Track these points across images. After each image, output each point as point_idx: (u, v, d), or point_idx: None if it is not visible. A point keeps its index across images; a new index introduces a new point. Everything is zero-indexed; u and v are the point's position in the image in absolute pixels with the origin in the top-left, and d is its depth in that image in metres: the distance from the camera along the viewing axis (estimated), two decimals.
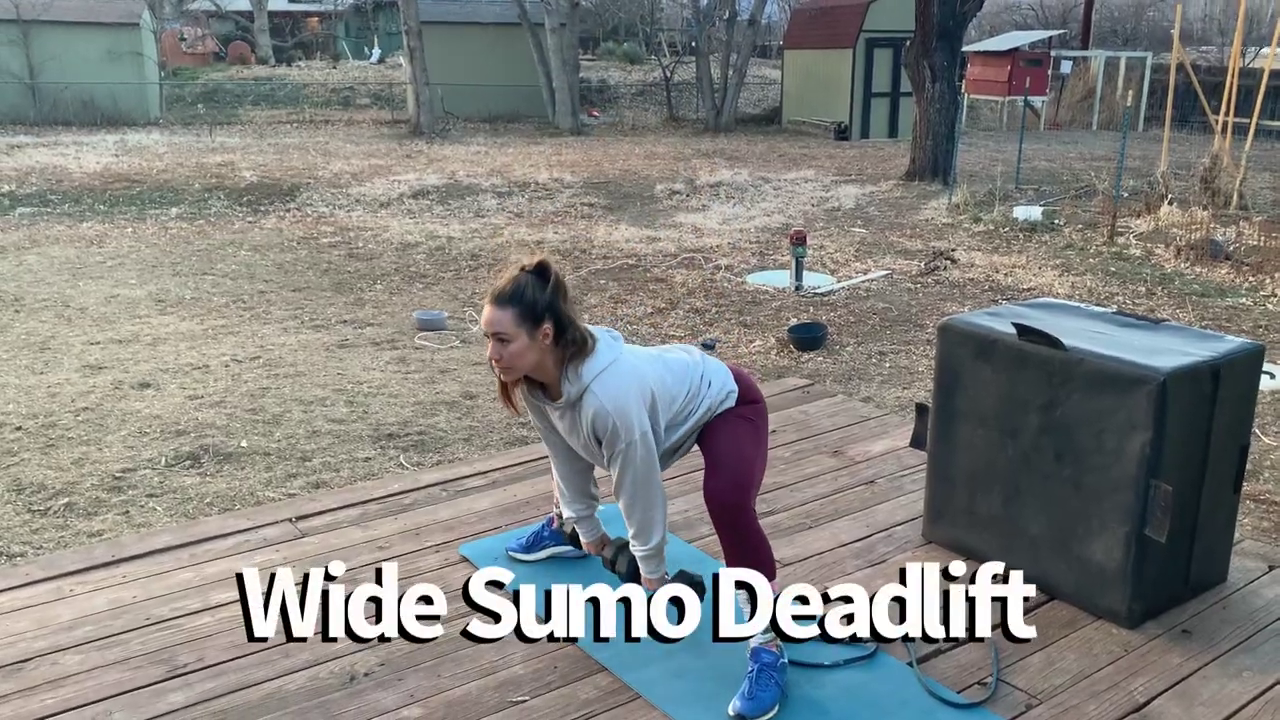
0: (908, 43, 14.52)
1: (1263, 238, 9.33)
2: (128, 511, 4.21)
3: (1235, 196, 11.34)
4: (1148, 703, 2.53)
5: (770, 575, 2.60)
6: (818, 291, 8.06)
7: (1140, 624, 2.86)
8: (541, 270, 2.52)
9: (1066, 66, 22.75)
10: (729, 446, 2.64)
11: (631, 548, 2.71)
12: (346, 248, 10.07)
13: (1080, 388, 2.85)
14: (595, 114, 24.38)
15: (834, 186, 13.74)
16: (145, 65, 22.63)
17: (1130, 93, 11.47)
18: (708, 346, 6.70)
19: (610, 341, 2.59)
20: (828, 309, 7.66)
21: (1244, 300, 7.96)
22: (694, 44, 26.18)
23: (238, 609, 2.90)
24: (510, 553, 3.21)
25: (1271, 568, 3.18)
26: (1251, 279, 8.51)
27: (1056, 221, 11.18)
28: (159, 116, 22.75)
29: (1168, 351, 2.83)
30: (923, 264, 8.98)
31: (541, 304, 2.49)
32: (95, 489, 4.41)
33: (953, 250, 9.45)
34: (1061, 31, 25.51)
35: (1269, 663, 2.70)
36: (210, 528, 3.40)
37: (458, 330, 7.11)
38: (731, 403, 2.71)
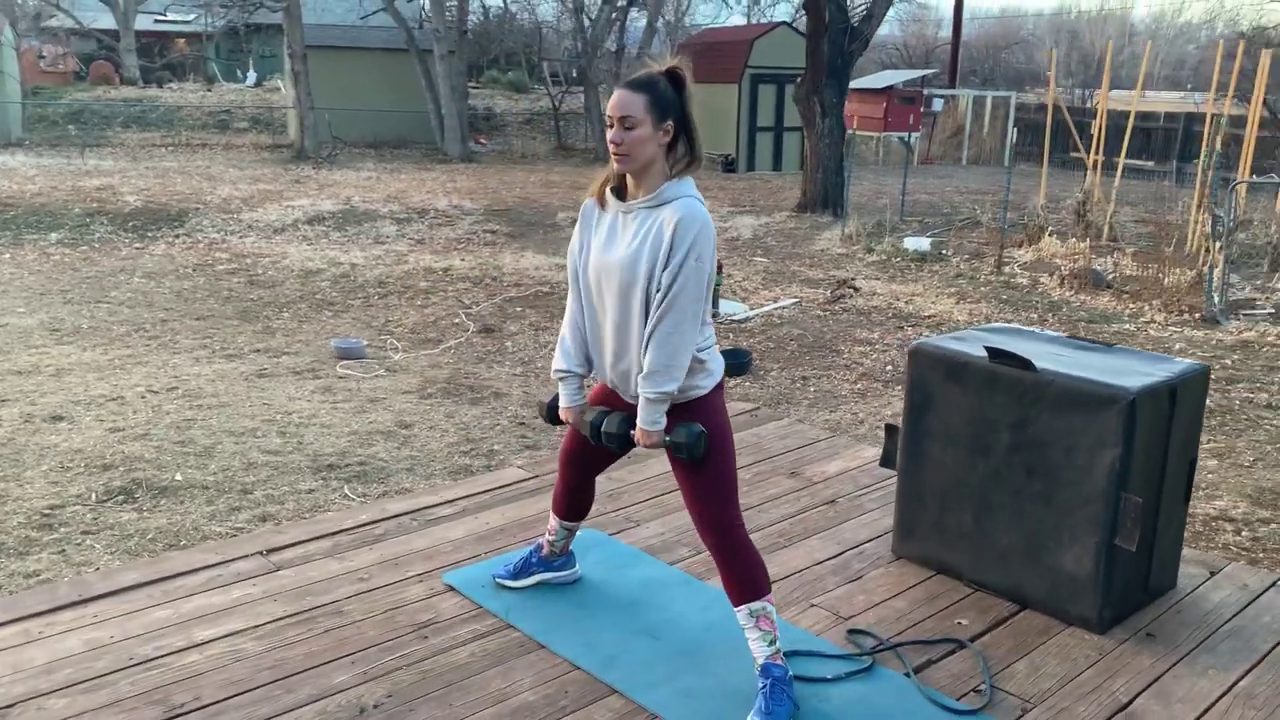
0: (798, 80, 14.99)
1: (1138, 268, 9.96)
2: (64, 550, 4.01)
3: (1106, 229, 12.06)
4: (1130, 702, 2.70)
5: (767, 587, 2.65)
6: (734, 319, 8.23)
7: (1109, 629, 3.03)
8: (675, 75, 2.54)
9: (938, 104, 23.81)
10: (706, 462, 2.62)
11: (643, 389, 2.56)
12: (246, 275, 9.79)
13: (1051, 407, 3.03)
14: (483, 141, 24.30)
15: (731, 217, 14.04)
16: (6, 83, 21.53)
17: (1014, 130, 12.12)
18: None
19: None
20: (746, 336, 7.83)
21: (1128, 326, 8.48)
22: (576, 74, 26.43)
23: (225, 645, 2.82)
24: (498, 580, 3.20)
25: (1212, 573, 3.42)
26: (1131, 306, 9.08)
27: (944, 252, 11.68)
28: (21, 137, 21.65)
29: (1130, 372, 3.04)
30: (828, 292, 9.27)
31: (672, 101, 2.50)
32: (23, 528, 4.19)
33: (853, 279, 9.78)
34: (933, 71, 26.70)
35: (1228, 661, 2.90)
36: (177, 564, 3.28)
37: (378, 359, 6.99)
38: (711, 385, 2.66)
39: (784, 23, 23.15)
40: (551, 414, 2.92)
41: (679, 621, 3.02)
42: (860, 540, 3.61)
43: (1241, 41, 13.71)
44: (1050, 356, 3.17)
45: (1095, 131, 12.21)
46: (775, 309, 8.66)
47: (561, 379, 2.82)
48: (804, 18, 15.06)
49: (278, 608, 3.03)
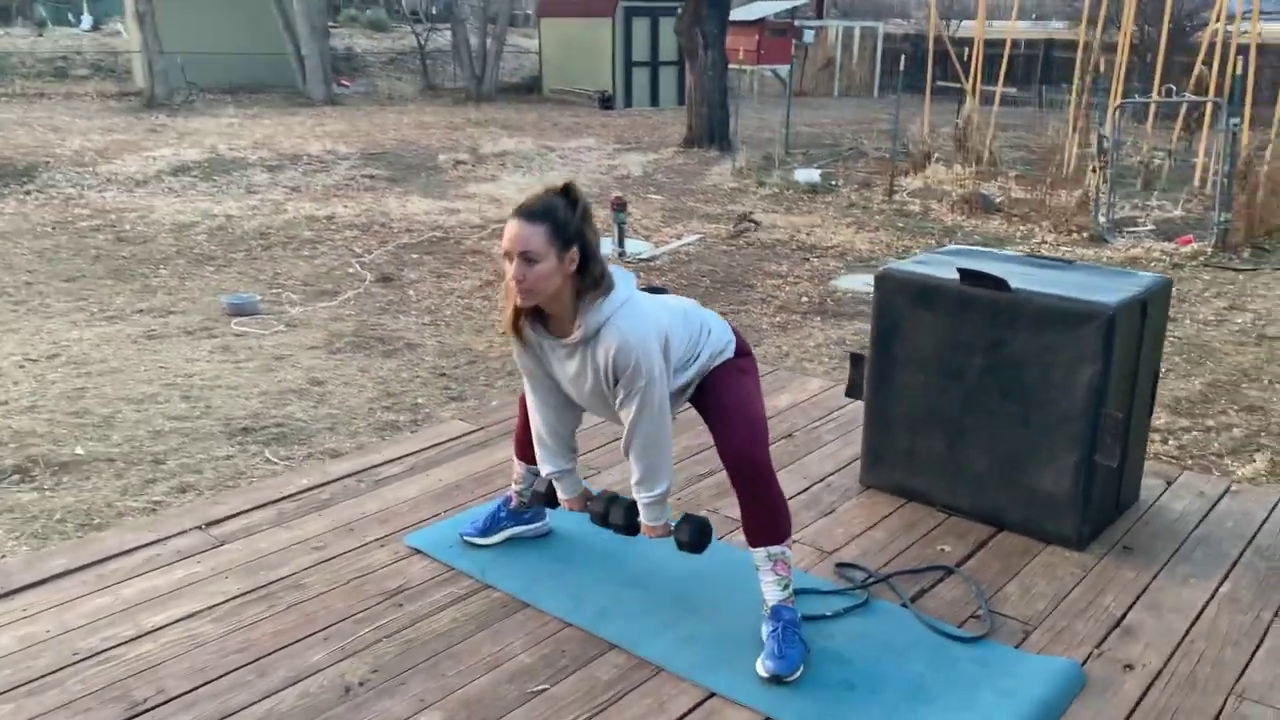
0: (680, 11, 14.76)
1: (1025, 190, 10.20)
2: None
3: (987, 154, 12.31)
4: (1124, 616, 2.71)
5: (789, 531, 2.56)
6: (641, 257, 8.08)
7: (1088, 546, 3.05)
8: (569, 192, 2.36)
9: (809, 36, 23.88)
10: (738, 399, 2.56)
11: (638, 494, 2.58)
12: (112, 231, 9.11)
13: (1028, 326, 2.99)
14: (345, 84, 23.26)
15: (618, 154, 13.81)
16: None
17: (904, 59, 12.19)
18: None
19: (625, 277, 2.46)
20: (656, 274, 7.70)
21: (1021, 246, 8.68)
22: (433, 10, 25.47)
23: (181, 630, 2.57)
24: (466, 538, 3.01)
25: (1168, 483, 3.49)
26: (1022, 227, 9.29)
27: (834, 183, 11.75)
28: None
29: (1102, 288, 3.02)
30: (731, 227, 9.19)
31: (572, 227, 2.34)
32: None
33: (752, 213, 9.73)
34: (802, 2, 26.72)
35: (1206, 568, 2.95)
36: (109, 544, 2.98)
37: (274, 313, 6.60)
38: (730, 353, 2.62)
39: None
40: (550, 500, 2.83)
41: (663, 569, 2.90)
42: (826, 473, 3.55)
43: None
44: (1019, 276, 3.13)
45: (971, 60, 12.39)
46: (680, 246, 8.55)
47: (558, 479, 2.75)
48: None
49: (231, 585, 2.78)
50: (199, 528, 3.09)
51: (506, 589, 2.79)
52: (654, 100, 21.42)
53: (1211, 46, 10.61)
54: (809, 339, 6.15)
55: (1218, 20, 10.74)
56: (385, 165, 12.69)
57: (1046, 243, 8.82)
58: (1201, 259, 8.22)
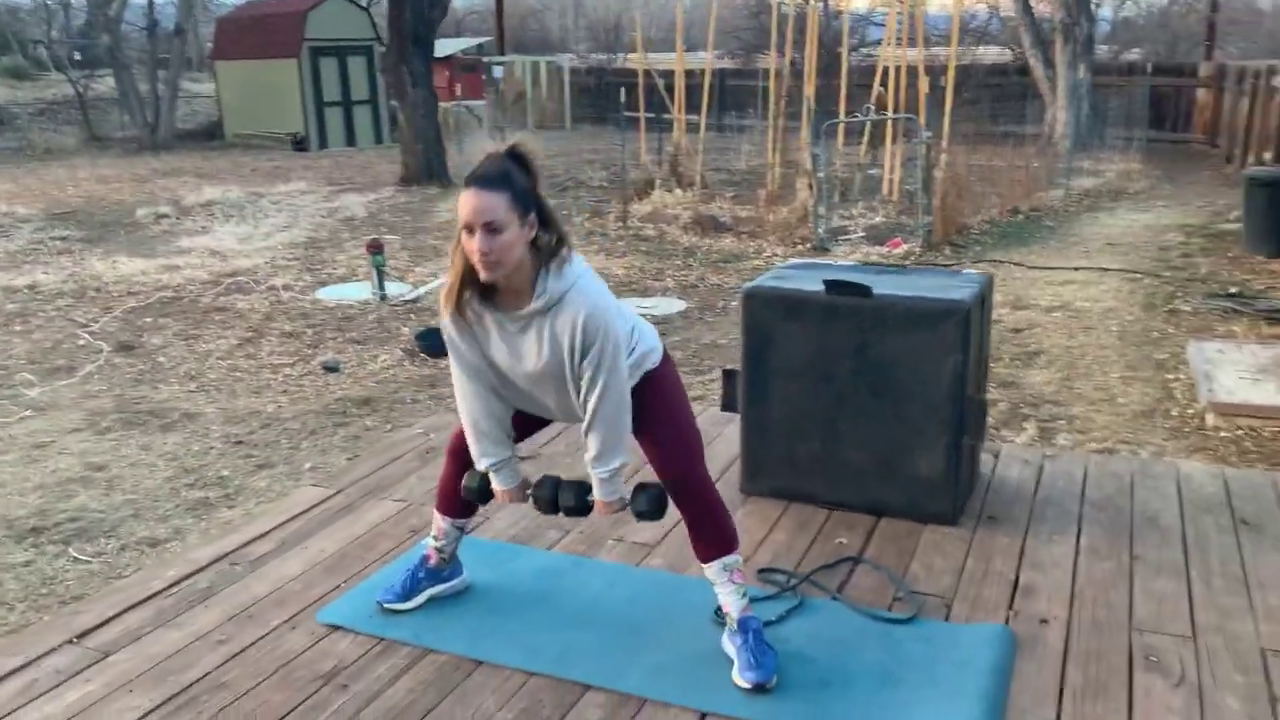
0: (384, 50, 14.49)
1: (748, 209, 10.90)
2: None
3: (699, 179, 13.01)
4: (1017, 578, 3.02)
5: (736, 538, 2.63)
6: (405, 299, 7.87)
7: (959, 521, 3.36)
8: (518, 154, 2.31)
9: (498, 71, 24.16)
10: (670, 415, 2.58)
11: (595, 470, 2.51)
12: None
13: (893, 327, 3.26)
14: None
15: (335, 196, 13.32)
16: None
17: (622, 91, 12.61)
18: (331, 369, 6.27)
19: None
20: (427, 314, 7.53)
21: (757, 260, 9.28)
22: (75, 56, 23.47)
23: None
24: (386, 605, 2.85)
25: (996, 456, 3.90)
26: (752, 244, 9.93)
27: (566, 214, 11.98)
28: None
29: (948, 288, 3.35)
30: None
31: (529, 190, 2.29)
32: None
33: None
34: (487, 39, 26.99)
35: (1061, 526, 3.33)
36: None
37: (10, 398, 5.85)
38: (658, 358, 2.61)
39: None
40: (483, 496, 2.69)
41: (600, 604, 2.89)
42: None
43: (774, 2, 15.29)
44: (874, 283, 3.39)
45: (678, 90, 13.10)
46: (440, 286, 8.39)
47: (496, 470, 2.63)
48: None
49: (142, 699, 2.48)
50: (70, 641, 2.72)
51: (451, 650, 2.67)
52: (350, 140, 20.83)
53: (882, 69, 11.85)
54: None
55: (887, 45, 12.01)
56: (76, 225, 11.52)
57: (777, 254, 9.46)
58: (913, 258, 9.15)
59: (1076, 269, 8.61)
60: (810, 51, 12.18)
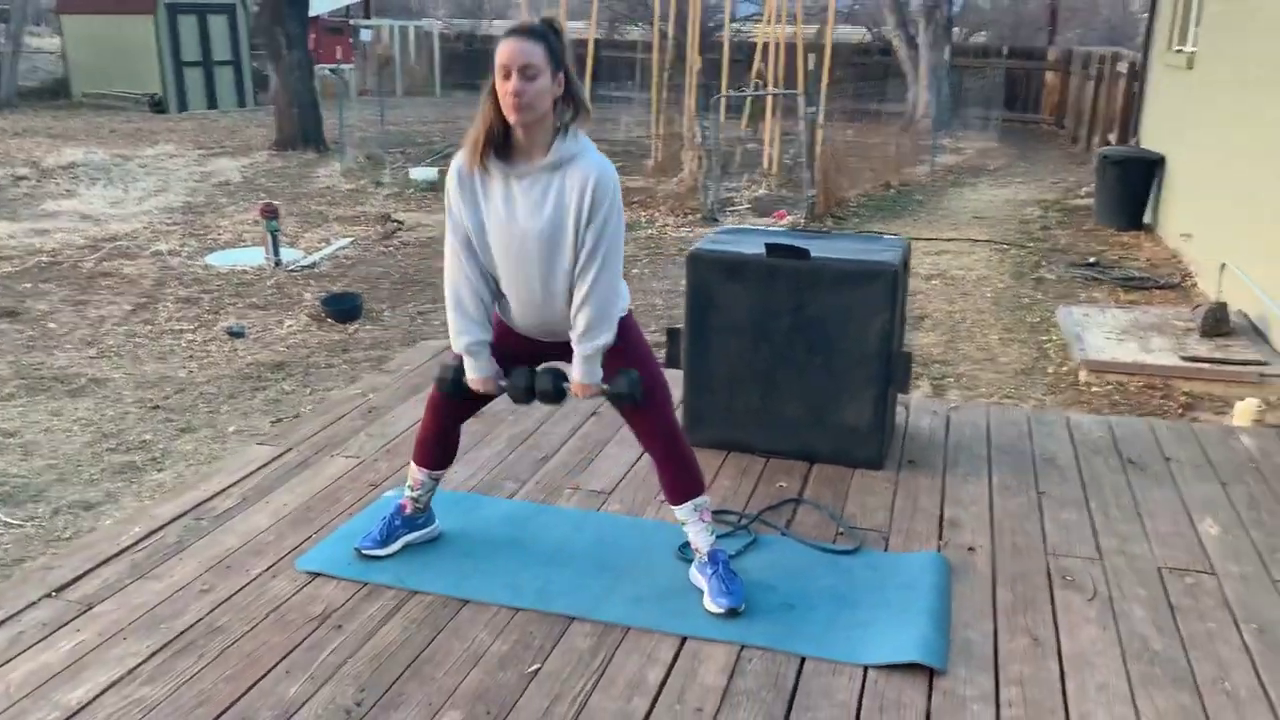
0: (257, 10, 14.03)
1: (639, 179, 11.09)
2: None
3: None
4: (942, 513, 3.33)
5: (703, 483, 2.84)
6: (301, 264, 7.78)
7: (883, 466, 3.66)
8: (553, 23, 2.49)
9: (366, 35, 23.57)
10: (638, 359, 2.70)
11: (580, 346, 2.60)
12: None
13: (828, 287, 3.52)
14: None
15: (206, 160, 12.89)
16: None
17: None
18: (236, 334, 6.20)
19: None
20: (327, 280, 7.47)
21: (650, 230, 9.49)
22: None
23: (116, 701, 2.33)
24: (364, 551, 2.95)
25: (907, 408, 4.22)
26: (644, 214, 10.13)
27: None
28: None
29: (874, 251, 3.63)
30: (380, 228, 9.09)
31: (560, 51, 2.46)
32: None
33: (393, 214, 9.68)
34: (354, 1, 26.24)
35: (972, 467, 3.67)
36: None
37: None
38: (624, 307, 2.73)
39: None
40: (456, 386, 2.76)
41: (569, 546, 3.06)
42: None
43: None
44: (806, 247, 3.65)
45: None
46: (336, 250, 8.32)
47: (472, 352, 2.70)
48: None
49: (138, 644, 2.53)
50: (49, 596, 2.73)
51: (436, 590, 2.80)
52: (212, 102, 20.05)
53: (756, 45, 12.19)
54: None
55: (768, 23, 12.37)
56: None
57: (669, 224, 9.72)
58: (798, 229, 9.53)
59: (950, 239, 9.15)
60: (694, 24, 12.42)
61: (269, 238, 7.72)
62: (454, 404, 2.87)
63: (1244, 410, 4.88)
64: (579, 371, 2.66)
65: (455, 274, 2.66)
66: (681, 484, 2.81)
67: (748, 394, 3.69)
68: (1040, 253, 8.71)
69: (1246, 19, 7.24)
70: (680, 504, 2.81)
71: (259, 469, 3.55)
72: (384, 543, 2.97)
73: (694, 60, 11.08)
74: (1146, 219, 9.59)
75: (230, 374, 5.54)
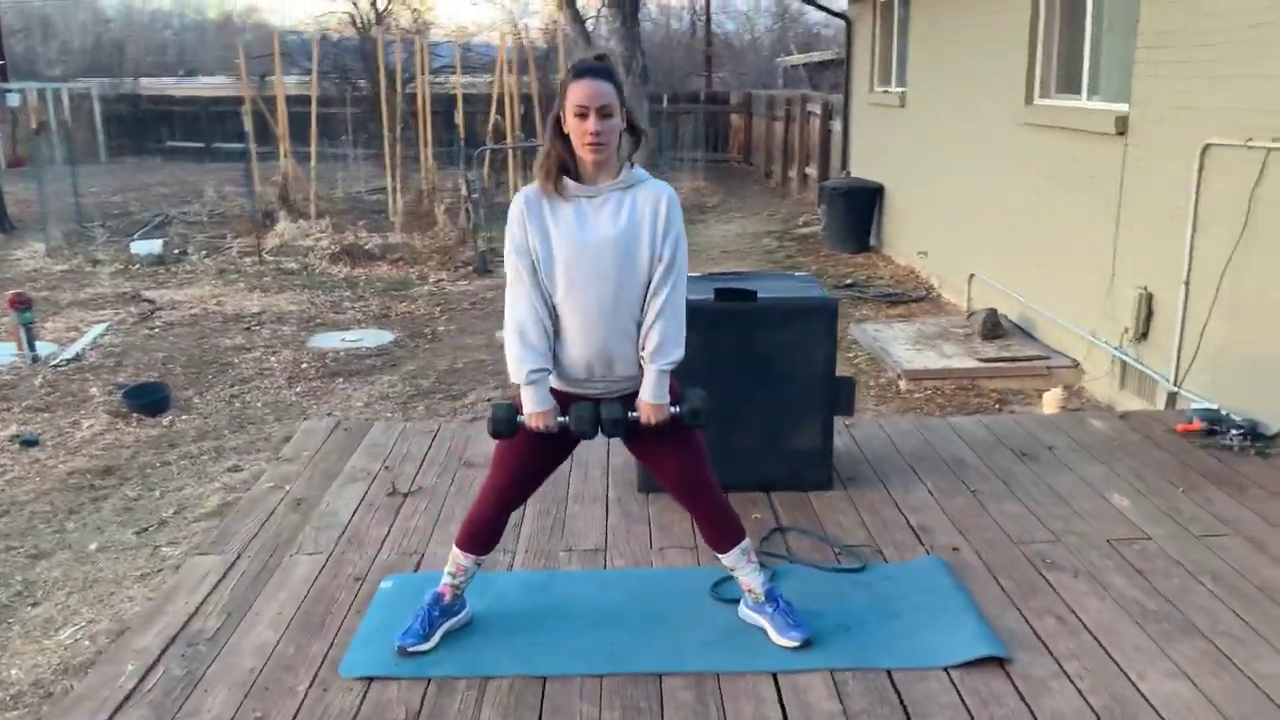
0: None
1: (390, 237, 10.84)
2: None
3: (313, 207, 12.60)
4: (909, 522, 3.62)
5: (744, 528, 2.93)
6: (65, 358, 6.94)
7: (832, 486, 3.91)
8: (612, 61, 2.59)
9: (14, 99, 21.23)
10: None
11: (654, 364, 2.65)
12: None
13: (774, 326, 3.74)
14: None
15: None
16: None
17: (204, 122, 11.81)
18: (29, 443, 5.46)
19: None
20: (104, 372, 6.72)
21: (424, 287, 9.32)
22: None
23: None
24: (408, 649, 2.79)
25: (848, 426, 4.49)
26: (413, 270, 9.92)
27: (180, 252, 11.06)
28: None
29: (804, 288, 3.90)
30: (135, 310, 8.29)
31: (622, 86, 2.57)
32: None
33: (142, 292, 8.87)
34: None
35: (906, 478, 4.00)
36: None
37: None
38: None
39: None
40: (510, 425, 2.67)
41: (609, 606, 3.05)
42: (608, 494, 3.85)
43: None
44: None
45: (281, 121, 12.60)
46: (95, 339, 7.49)
47: (533, 381, 2.65)
48: None
49: None
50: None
51: (509, 672, 2.71)
52: None
53: (498, 97, 12.34)
54: (354, 399, 6.09)
55: (500, 75, 12.55)
56: None
57: (443, 279, 9.58)
58: None
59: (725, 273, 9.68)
60: (422, 82, 12.36)
61: (21, 331, 6.83)
62: (526, 479, 2.81)
63: (1051, 399, 5.63)
64: (650, 391, 2.67)
65: (519, 303, 2.64)
66: (726, 532, 2.89)
67: (708, 434, 3.79)
68: None
69: (944, 67, 8.48)
70: (727, 551, 2.89)
71: (220, 581, 3.22)
72: (426, 636, 2.82)
73: (458, 115, 11.02)
74: (872, 241, 10.68)
75: (52, 487, 4.89)
